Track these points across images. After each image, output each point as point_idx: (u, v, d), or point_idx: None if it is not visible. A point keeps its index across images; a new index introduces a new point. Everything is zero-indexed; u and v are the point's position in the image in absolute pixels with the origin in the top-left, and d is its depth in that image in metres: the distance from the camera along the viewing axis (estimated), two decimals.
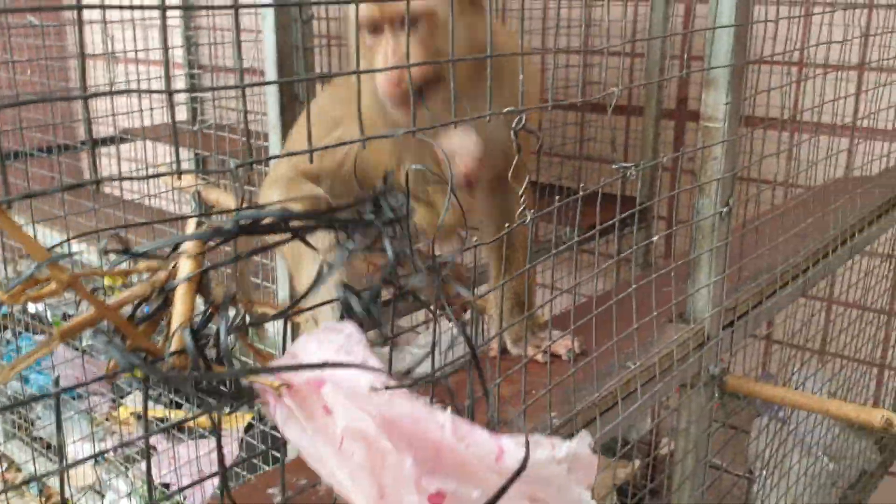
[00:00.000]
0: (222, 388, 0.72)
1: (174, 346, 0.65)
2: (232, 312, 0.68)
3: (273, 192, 1.44)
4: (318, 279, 0.70)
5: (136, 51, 2.43)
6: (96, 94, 0.54)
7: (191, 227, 0.85)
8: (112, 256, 0.73)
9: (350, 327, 0.71)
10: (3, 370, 0.63)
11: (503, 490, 0.66)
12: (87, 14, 3.36)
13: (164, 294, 0.69)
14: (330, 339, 0.70)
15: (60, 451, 0.61)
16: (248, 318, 0.70)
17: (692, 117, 2.81)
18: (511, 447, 0.71)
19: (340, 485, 0.69)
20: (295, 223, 0.67)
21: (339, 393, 0.67)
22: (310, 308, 0.74)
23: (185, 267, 0.72)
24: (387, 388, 0.67)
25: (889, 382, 2.56)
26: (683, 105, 2.83)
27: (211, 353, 0.67)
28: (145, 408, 0.72)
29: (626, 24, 2.79)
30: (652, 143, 2.77)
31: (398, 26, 1.14)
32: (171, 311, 0.71)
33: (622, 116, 2.95)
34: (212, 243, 0.70)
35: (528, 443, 0.72)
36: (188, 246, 0.77)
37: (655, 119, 2.75)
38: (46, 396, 0.59)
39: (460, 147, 1.12)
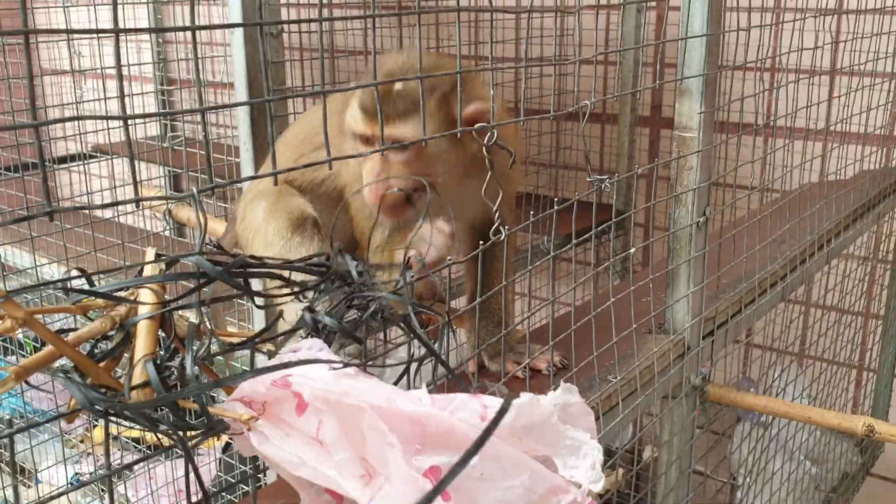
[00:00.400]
0: (189, 420, 0.69)
1: (136, 379, 0.63)
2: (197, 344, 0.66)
3: (259, 205, 1.43)
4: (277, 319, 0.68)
5: (103, 68, 2.39)
6: (45, 123, 0.51)
7: (150, 254, 0.82)
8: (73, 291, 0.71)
9: (313, 341, 0.70)
10: None
11: (489, 430, 0.63)
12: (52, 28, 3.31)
13: (126, 329, 0.67)
14: (293, 354, 0.69)
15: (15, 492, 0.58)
16: (212, 350, 0.68)
17: (667, 124, 2.82)
18: (494, 402, 0.70)
19: (330, 482, 0.66)
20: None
21: (307, 378, 0.65)
22: (277, 336, 0.72)
23: (146, 300, 0.69)
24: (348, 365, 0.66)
25: (868, 384, 2.57)
26: (657, 112, 2.84)
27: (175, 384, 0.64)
28: (107, 446, 0.69)
29: (598, 33, 2.78)
30: (627, 150, 2.77)
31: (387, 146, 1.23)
32: (133, 346, 0.68)
33: (597, 125, 2.95)
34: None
35: (507, 394, 0.69)
36: (148, 276, 0.74)
37: (630, 126, 2.75)
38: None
39: (433, 241, 1.15)
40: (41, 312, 0.64)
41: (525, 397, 0.70)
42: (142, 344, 0.66)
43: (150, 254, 0.79)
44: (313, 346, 0.69)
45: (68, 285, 0.62)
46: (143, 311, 0.68)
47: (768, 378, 2.10)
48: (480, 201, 1.04)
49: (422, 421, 0.66)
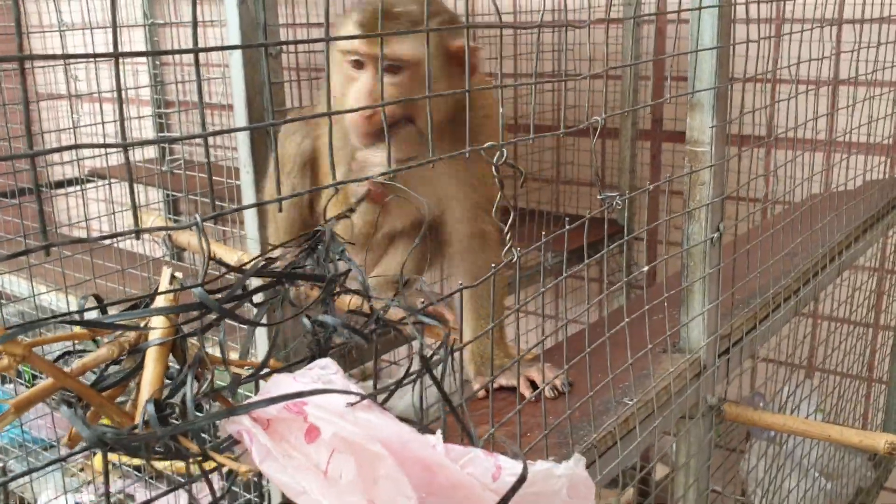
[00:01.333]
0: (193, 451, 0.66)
1: (142, 415, 0.60)
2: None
3: None
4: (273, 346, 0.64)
5: (100, 92, 2.36)
6: (42, 153, 0.48)
7: (165, 276, 0.79)
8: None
9: (325, 361, 0.67)
10: None
11: (507, 499, 0.62)
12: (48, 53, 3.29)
13: (136, 356, 0.64)
14: (305, 374, 0.66)
15: None
16: (214, 383, 0.65)
17: (668, 137, 2.79)
18: (509, 463, 0.70)
19: None
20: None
21: (324, 410, 0.62)
22: (287, 367, 0.69)
23: (158, 325, 0.66)
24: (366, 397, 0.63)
25: (881, 397, 2.53)
26: (658, 125, 2.82)
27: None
28: (107, 481, 0.66)
29: (596, 47, 2.77)
30: (629, 164, 2.74)
31: (379, 66, 1.16)
32: (141, 373, 0.65)
33: (598, 139, 2.92)
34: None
35: (525, 459, 0.69)
36: (160, 302, 0.71)
37: (632, 140, 2.72)
38: None
39: (371, 163, 1.14)
40: (41, 343, 0.61)
41: (541, 466, 0.71)
42: (150, 373, 0.62)
43: (166, 275, 0.76)
44: (327, 367, 0.66)
45: (81, 315, 0.59)
46: (153, 338, 0.65)
47: (783, 396, 2.07)
48: (445, 184, 0.99)
49: (433, 469, 0.64)
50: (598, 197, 1.05)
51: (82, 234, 3.21)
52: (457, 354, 1.17)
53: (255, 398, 0.64)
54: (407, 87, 1.19)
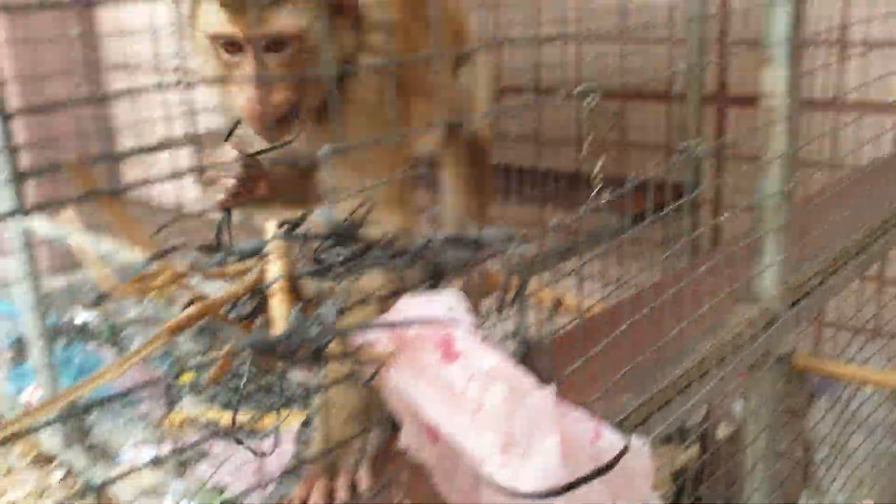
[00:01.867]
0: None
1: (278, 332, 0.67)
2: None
3: None
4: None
5: (155, 59, 2.46)
6: (195, 80, 0.55)
7: (270, 230, 0.86)
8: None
9: (456, 294, 0.72)
10: (116, 364, 0.65)
11: (611, 465, 0.67)
12: (111, 26, 3.43)
13: (260, 293, 0.71)
14: (437, 301, 0.71)
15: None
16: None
17: (733, 102, 2.78)
18: (608, 432, 0.74)
19: (451, 432, 0.68)
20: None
21: (469, 336, 0.68)
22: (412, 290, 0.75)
23: (276, 268, 0.73)
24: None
25: None
26: (724, 90, 2.80)
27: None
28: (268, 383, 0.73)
29: (657, 10, 2.76)
30: (694, 129, 2.74)
31: (261, 47, 1.04)
32: (267, 309, 0.72)
33: (662, 105, 2.92)
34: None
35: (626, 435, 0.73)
36: (277, 247, 0.78)
37: (697, 105, 2.72)
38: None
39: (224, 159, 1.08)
40: (186, 274, 0.68)
41: (638, 442, 0.74)
42: (279, 303, 0.69)
43: (272, 226, 0.83)
44: (457, 298, 0.72)
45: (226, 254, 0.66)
46: (273, 277, 0.72)
47: (844, 357, 2.08)
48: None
49: (545, 416, 0.69)
50: (679, 148, 1.09)
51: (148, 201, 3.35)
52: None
53: (393, 317, 0.70)
54: (296, 62, 1.05)
